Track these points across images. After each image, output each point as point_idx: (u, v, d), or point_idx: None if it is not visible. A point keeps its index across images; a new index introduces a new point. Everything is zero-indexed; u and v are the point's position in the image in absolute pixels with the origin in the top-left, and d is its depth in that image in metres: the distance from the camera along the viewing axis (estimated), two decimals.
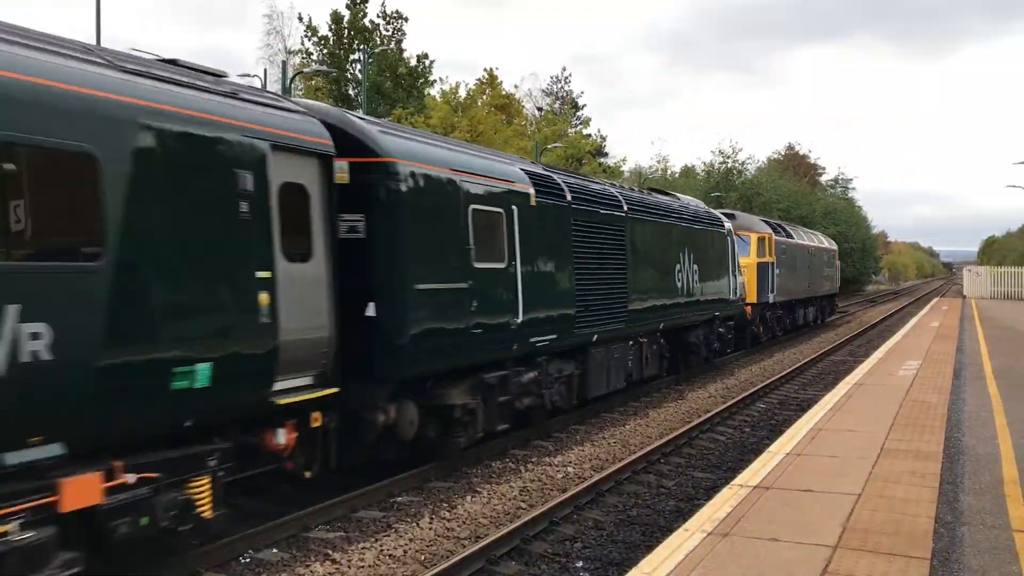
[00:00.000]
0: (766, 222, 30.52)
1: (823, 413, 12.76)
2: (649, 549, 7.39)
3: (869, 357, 21.53)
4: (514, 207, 12.10)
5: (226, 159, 7.69)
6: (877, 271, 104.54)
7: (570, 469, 11.85)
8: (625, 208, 16.25)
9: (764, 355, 26.92)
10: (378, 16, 56.08)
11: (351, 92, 54.39)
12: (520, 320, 12.07)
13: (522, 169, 13.10)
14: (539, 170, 14.05)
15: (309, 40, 54.82)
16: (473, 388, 11.30)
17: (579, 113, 68.50)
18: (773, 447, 10.55)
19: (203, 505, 7.37)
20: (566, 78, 70.63)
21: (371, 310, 9.62)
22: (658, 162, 75.79)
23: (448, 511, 9.72)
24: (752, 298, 26.63)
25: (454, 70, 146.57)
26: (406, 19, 56.57)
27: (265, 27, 63.51)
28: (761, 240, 28.26)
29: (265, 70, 49.38)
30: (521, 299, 12.09)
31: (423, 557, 8.34)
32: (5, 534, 5.72)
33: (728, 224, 23.29)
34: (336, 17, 54.53)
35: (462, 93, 50.89)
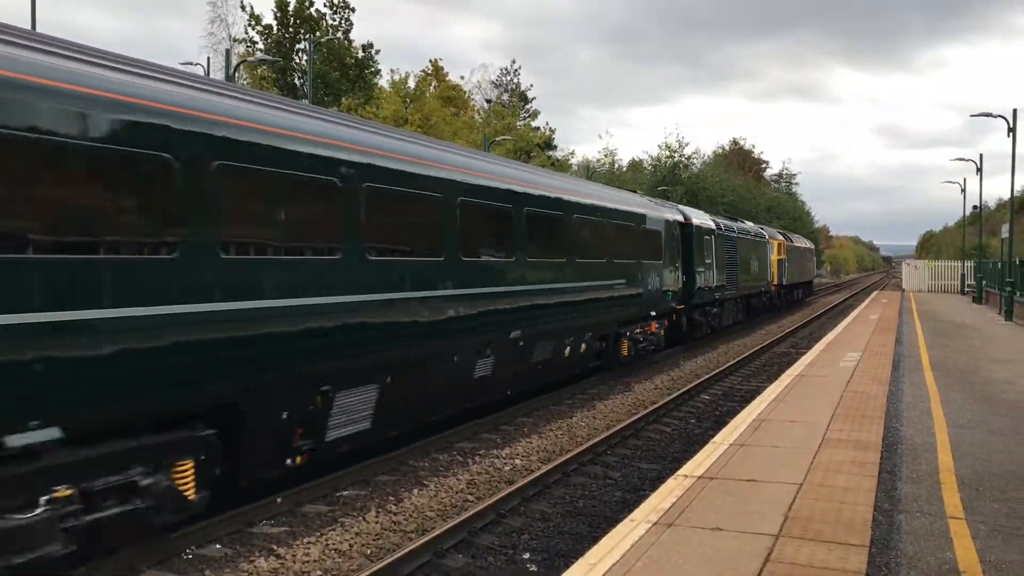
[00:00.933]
0: (781, 233, 47.72)
1: (766, 404, 12.95)
2: (595, 540, 7.42)
3: (811, 349, 21.92)
4: (713, 236, 27.69)
5: (672, 229, 22.86)
6: (819, 264, 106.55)
7: (517, 461, 11.87)
8: (736, 232, 32.21)
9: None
10: (325, 5, 55.45)
11: (297, 82, 53.71)
12: (714, 285, 27.62)
13: (712, 219, 29.00)
14: (715, 218, 30.72)
15: (254, 29, 53.98)
16: (702, 313, 26.72)
17: (528, 106, 68.49)
18: (717, 438, 10.68)
19: (662, 338, 22.36)
20: (515, 70, 70.47)
21: (683, 279, 23.81)
22: (606, 156, 76.20)
23: (395, 504, 9.68)
24: (775, 282, 41.85)
25: (403, 60, 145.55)
26: (353, 9, 56.03)
27: (208, 15, 62.43)
28: (779, 245, 43.24)
29: (208, 58, 48.45)
30: (715, 276, 27.60)
31: (369, 551, 8.29)
32: (650, 333, 21.18)
33: (767, 235, 40.54)
34: (281, 5, 53.75)
35: (411, 84, 50.57)
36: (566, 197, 16.09)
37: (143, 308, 7.10)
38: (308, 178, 9.06)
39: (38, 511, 6.31)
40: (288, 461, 9.03)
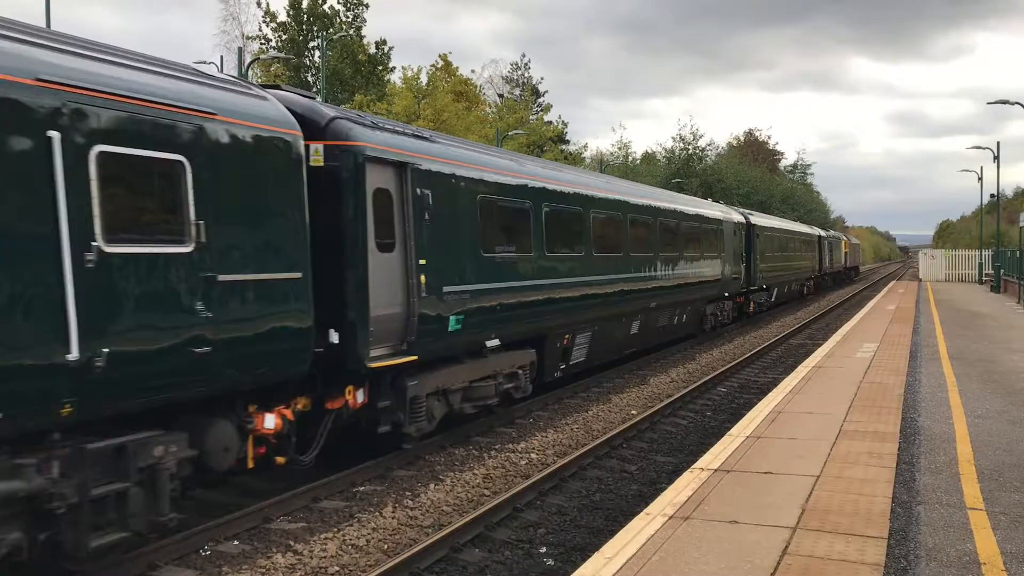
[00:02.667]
0: (845, 236, 76.10)
1: (783, 396, 12.90)
2: (612, 533, 7.40)
3: (827, 340, 21.80)
4: (826, 242, 54.89)
5: (821, 239, 54.90)
6: None
7: (533, 455, 11.87)
8: (831, 237, 60.27)
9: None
10: (338, 2, 55.48)
11: (310, 79, 53.79)
12: (827, 264, 55.19)
13: (825, 232, 58.35)
14: (824, 230, 61.30)
15: (267, 26, 54.12)
16: (823, 278, 55.85)
17: (540, 100, 68.33)
18: (734, 430, 10.65)
19: (812, 287, 50.62)
20: (526, 64, 70.29)
21: (820, 262, 55.60)
22: (619, 148, 75.95)
23: (411, 499, 9.69)
24: (844, 265, 66.43)
25: (414, 55, 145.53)
26: (366, 5, 56.02)
27: (221, 13, 62.49)
28: (844, 243, 66.63)
29: (221, 57, 48.65)
30: (828, 260, 56.49)
31: (386, 546, 8.30)
32: (813, 283, 50.52)
33: (841, 237, 68.95)
34: (295, 2, 53.83)
35: (423, 79, 50.49)
36: (807, 231, 47.10)
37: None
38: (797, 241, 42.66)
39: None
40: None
